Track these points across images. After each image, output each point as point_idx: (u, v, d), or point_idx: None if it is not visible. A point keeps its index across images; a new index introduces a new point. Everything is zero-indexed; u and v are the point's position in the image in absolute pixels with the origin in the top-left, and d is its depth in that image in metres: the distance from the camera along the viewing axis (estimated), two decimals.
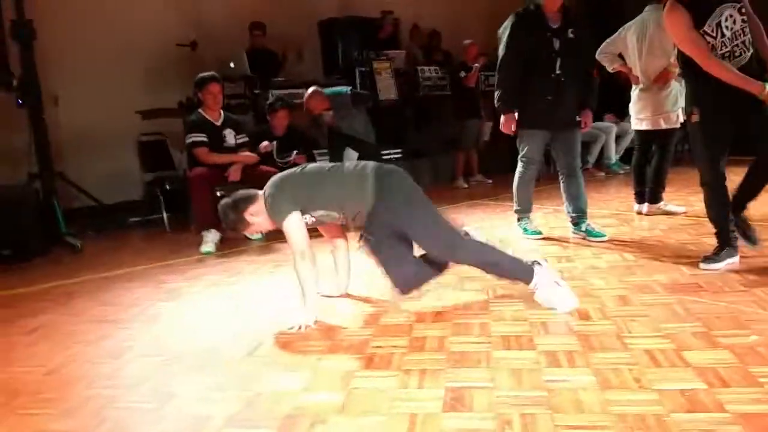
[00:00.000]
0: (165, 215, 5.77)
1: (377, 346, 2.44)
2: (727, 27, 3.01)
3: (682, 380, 1.94)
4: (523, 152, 4.19)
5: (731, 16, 3.01)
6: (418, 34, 8.58)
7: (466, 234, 2.93)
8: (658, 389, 1.89)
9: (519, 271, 2.80)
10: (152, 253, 4.68)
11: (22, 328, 3.04)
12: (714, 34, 3.02)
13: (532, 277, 2.74)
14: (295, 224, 2.77)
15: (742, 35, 3.02)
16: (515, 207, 4.40)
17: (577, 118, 4.09)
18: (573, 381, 2.00)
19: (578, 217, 4.20)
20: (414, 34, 8.57)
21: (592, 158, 7.67)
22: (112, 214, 6.10)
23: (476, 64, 7.20)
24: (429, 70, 8.03)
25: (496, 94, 4.11)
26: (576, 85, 4.00)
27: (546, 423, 1.75)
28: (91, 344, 2.74)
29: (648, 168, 4.77)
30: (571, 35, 3.94)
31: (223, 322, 2.95)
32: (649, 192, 4.77)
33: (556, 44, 3.91)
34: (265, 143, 5.38)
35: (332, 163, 3.03)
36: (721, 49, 3.02)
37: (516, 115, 4.07)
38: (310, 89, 5.86)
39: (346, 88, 6.18)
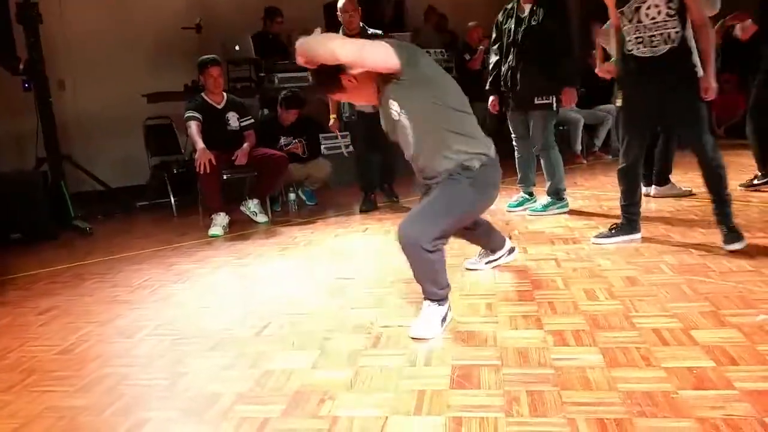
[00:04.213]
0: (172, 199, 5.78)
1: (384, 326, 2.46)
2: (647, 15, 3.11)
3: (690, 358, 1.95)
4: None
5: (656, 6, 3.09)
6: (434, 16, 8.50)
7: None
8: (666, 367, 1.91)
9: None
10: (161, 236, 4.70)
11: (34, 309, 3.07)
12: (630, 18, 3.16)
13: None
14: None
15: (664, 27, 3.09)
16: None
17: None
18: (580, 359, 2.02)
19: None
20: (429, 16, 8.50)
21: (598, 141, 7.62)
22: (119, 198, 6.13)
23: (480, 47, 7.14)
24: (435, 52, 7.97)
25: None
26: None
27: (554, 400, 1.76)
28: (103, 324, 2.77)
29: (655, 150, 4.74)
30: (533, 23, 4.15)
31: (233, 302, 2.98)
32: (656, 174, 4.76)
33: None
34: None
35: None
36: (634, 33, 3.16)
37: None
38: None
39: None
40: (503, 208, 4.69)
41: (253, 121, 5.14)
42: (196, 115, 4.78)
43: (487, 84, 4.63)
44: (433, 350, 2.19)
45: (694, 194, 4.68)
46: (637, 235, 3.48)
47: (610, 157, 7.49)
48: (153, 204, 6.14)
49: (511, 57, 4.28)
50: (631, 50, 3.21)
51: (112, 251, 4.29)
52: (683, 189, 4.74)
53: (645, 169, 4.82)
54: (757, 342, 2.03)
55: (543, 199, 4.51)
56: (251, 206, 4.97)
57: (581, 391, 1.81)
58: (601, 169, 6.57)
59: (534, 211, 4.49)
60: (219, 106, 4.93)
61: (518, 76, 4.25)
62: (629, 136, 3.36)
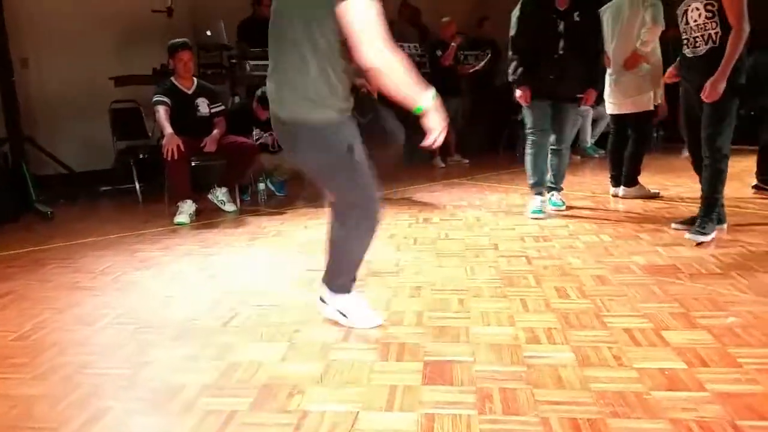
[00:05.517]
0: (137, 185, 5.64)
1: None
2: (691, 17, 3.33)
3: (662, 359, 1.96)
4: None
5: (697, 9, 3.28)
6: (408, 11, 8.43)
7: None
8: (637, 367, 1.90)
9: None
10: (125, 223, 4.58)
11: None
12: (680, 19, 3.41)
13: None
14: None
15: (704, 29, 3.26)
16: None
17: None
18: (553, 357, 2.01)
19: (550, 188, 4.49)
20: (403, 10, 8.43)
21: None
22: (83, 183, 5.95)
23: (453, 43, 7.11)
24: (408, 47, 7.92)
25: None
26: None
27: (527, 398, 1.74)
28: (62, 311, 2.67)
29: (624, 151, 4.79)
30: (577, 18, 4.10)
31: (199, 292, 2.90)
32: (625, 176, 4.80)
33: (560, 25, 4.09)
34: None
35: None
36: (683, 35, 3.42)
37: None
38: None
39: None
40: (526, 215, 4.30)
41: (223, 107, 5.02)
42: (165, 99, 4.66)
43: (517, 74, 4.17)
44: (404, 345, 2.15)
45: (662, 196, 4.75)
46: (722, 226, 3.55)
47: (579, 158, 7.56)
48: (118, 190, 5.99)
49: (558, 47, 4.08)
50: (683, 50, 3.46)
51: (74, 236, 4.15)
52: (651, 191, 4.80)
53: (614, 170, 4.91)
54: (727, 344, 2.04)
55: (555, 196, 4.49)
56: (219, 195, 4.88)
57: (554, 389, 1.79)
58: (569, 169, 6.60)
59: (558, 206, 4.45)
60: (189, 92, 4.82)
61: (565, 67, 4.10)
62: (687, 130, 3.55)
